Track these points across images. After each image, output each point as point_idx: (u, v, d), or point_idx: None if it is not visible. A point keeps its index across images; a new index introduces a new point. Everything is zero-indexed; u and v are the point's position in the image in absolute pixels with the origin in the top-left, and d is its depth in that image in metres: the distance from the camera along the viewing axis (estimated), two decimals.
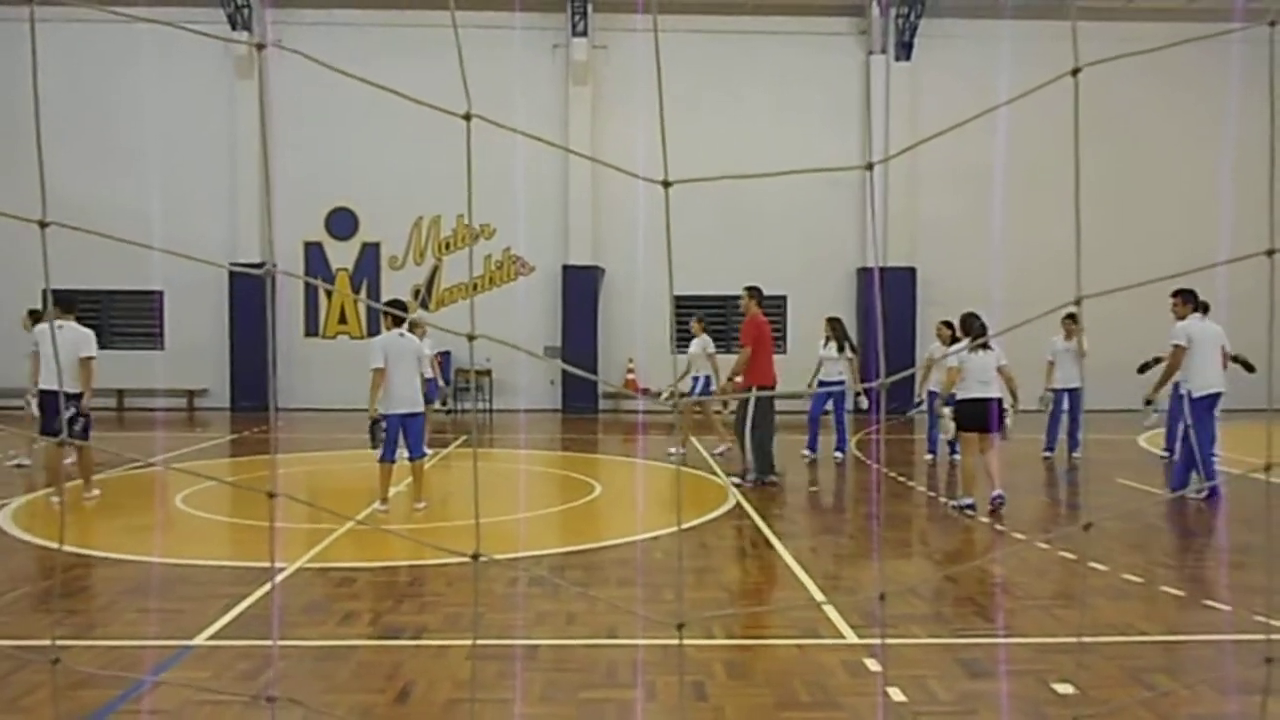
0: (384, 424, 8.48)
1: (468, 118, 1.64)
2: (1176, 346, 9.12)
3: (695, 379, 13.10)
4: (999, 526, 8.20)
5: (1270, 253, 1.53)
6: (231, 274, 19.14)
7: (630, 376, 19.77)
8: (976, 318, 8.97)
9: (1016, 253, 18.64)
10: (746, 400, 10.30)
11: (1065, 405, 12.25)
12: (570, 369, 1.80)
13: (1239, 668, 4.82)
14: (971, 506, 8.70)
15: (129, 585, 6.27)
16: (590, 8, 19.36)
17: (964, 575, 6.70)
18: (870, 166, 1.67)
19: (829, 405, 12.44)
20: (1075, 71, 1.53)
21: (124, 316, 20.00)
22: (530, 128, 17.31)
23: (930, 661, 4.86)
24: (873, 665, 4.76)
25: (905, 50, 19.70)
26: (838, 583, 6.63)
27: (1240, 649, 5.06)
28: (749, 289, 10.57)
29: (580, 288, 19.59)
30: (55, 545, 7.34)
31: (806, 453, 12.31)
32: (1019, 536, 7.88)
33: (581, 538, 7.99)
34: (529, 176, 18.51)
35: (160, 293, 19.71)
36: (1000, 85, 15.46)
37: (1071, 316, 12.06)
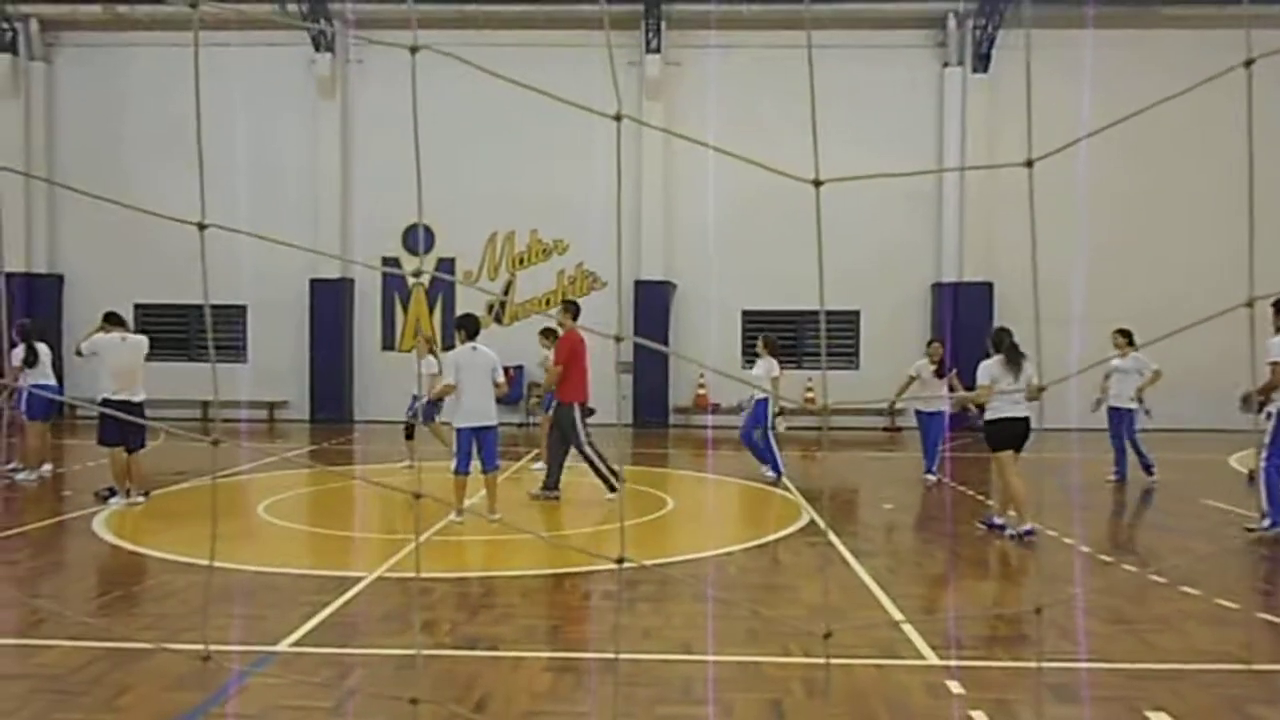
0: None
1: (618, 118, 1.72)
2: (1275, 364, 8.26)
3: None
4: (1084, 548, 7.95)
5: None
6: (312, 290, 19.63)
7: (701, 392, 19.73)
8: (1008, 333, 8.49)
9: (1093, 267, 18.11)
10: (576, 417, 9.85)
11: (1124, 425, 11.44)
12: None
13: None
14: (1030, 532, 8.15)
15: (215, 591, 6.43)
16: (664, 26, 19.48)
17: (1050, 597, 6.51)
18: (1030, 164, 1.64)
19: (758, 425, 11.73)
20: (1249, 63, 1.47)
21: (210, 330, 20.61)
22: (606, 141, 17.45)
23: (1016, 685, 4.73)
24: (954, 687, 4.64)
25: (983, 62, 19.37)
26: (917, 602, 6.49)
27: None
28: (565, 303, 10.57)
29: (652, 303, 19.62)
30: (132, 547, 7.58)
31: (771, 474, 11.61)
32: (1105, 559, 7.64)
33: (657, 551, 7.95)
34: (602, 192, 18.64)
35: (244, 307, 20.29)
36: (1082, 95, 15.08)
37: (1121, 332, 11.50)
